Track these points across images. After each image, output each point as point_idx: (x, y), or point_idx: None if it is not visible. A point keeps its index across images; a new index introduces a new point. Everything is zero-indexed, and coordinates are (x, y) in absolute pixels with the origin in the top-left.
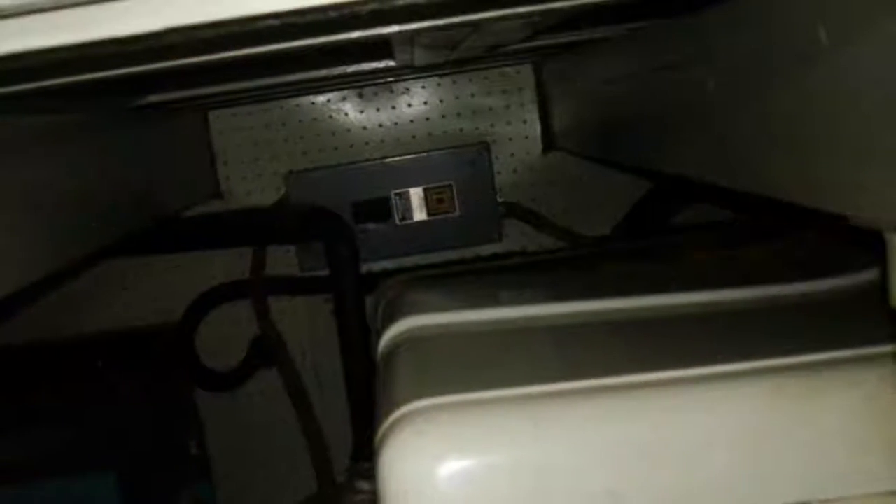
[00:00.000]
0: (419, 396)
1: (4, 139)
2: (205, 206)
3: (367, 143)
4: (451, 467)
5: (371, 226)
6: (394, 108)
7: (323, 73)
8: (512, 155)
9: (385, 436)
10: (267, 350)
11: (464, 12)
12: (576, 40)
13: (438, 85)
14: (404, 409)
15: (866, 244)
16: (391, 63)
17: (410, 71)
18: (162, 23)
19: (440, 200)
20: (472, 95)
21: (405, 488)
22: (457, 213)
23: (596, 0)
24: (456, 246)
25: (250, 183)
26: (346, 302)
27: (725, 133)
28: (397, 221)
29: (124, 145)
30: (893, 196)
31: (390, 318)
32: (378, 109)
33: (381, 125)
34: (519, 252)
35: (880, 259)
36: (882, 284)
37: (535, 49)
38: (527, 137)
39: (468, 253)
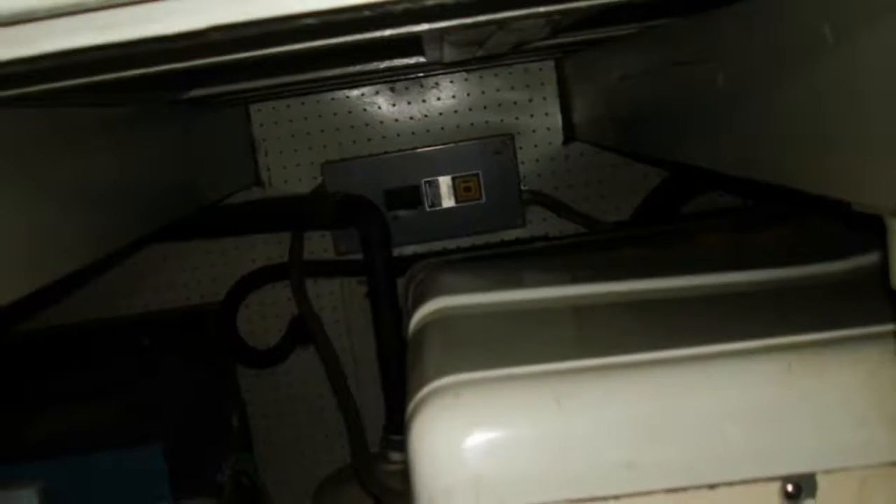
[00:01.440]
0: (447, 373)
1: (58, 132)
2: (246, 194)
3: (398, 135)
4: (477, 439)
5: (402, 212)
6: (424, 101)
7: (357, 68)
8: (535, 146)
9: (415, 409)
10: (305, 329)
11: (489, 11)
12: (595, 38)
13: (466, 80)
14: (433, 384)
15: (868, 229)
16: (422, 59)
17: (440, 67)
18: (205, 21)
19: (467, 188)
20: (498, 90)
21: (434, 458)
22: (483, 200)
23: None
24: (482, 231)
25: (289, 172)
26: (379, 284)
27: (736, 125)
28: (427, 208)
29: (170, 136)
30: (893, 184)
31: (420, 299)
32: (409, 103)
33: (411, 118)
34: (541, 237)
35: (881, 243)
36: (882, 267)
37: (557, 46)
38: (549, 129)
39: (493, 238)
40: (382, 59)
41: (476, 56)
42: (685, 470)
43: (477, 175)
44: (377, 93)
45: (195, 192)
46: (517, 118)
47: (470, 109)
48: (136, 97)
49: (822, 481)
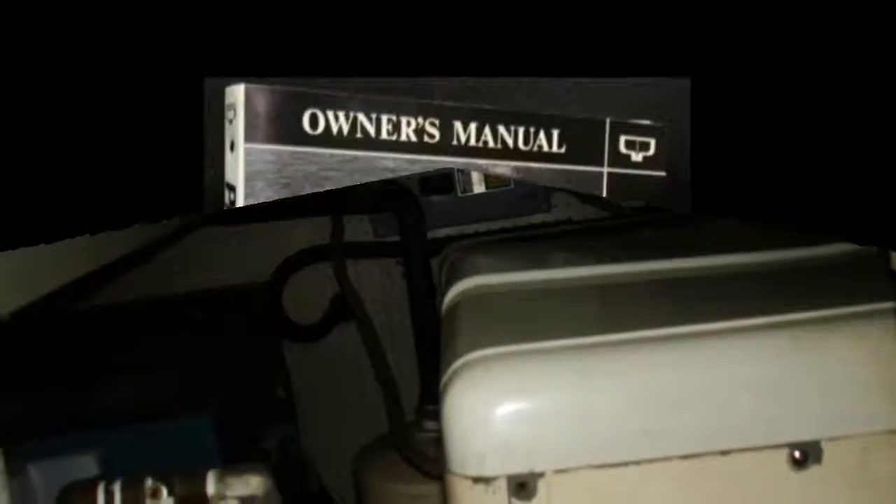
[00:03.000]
0: (479, 347)
1: None
2: None
3: None
4: (506, 409)
5: (436, 197)
6: None
7: None
8: None
9: (449, 381)
10: (345, 307)
11: None
12: None
13: None
14: (465, 358)
15: None
16: None
17: None
18: None
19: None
20: None
21: (465, 427)
22: (511, 186)
23: None
24: (510, 215)
25: None
26: (415, 264)
27: None
28: (459, 193)
29: None
30: None
31: (453, 279)
32: None
33: None
34: (566, 220)
35: None
36: (883, 249)
37: None
38: None
39: (521, 221)
40: None
41: None
42: (699, 437)
43: None
44: None
45: None
46: None
47: None
48: None
49: (826, 448)
